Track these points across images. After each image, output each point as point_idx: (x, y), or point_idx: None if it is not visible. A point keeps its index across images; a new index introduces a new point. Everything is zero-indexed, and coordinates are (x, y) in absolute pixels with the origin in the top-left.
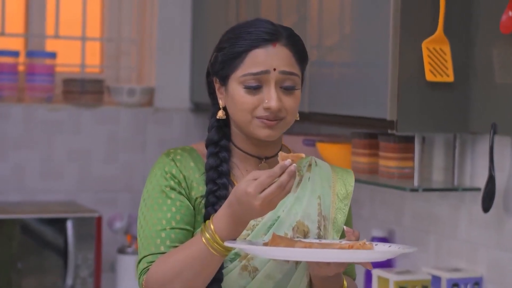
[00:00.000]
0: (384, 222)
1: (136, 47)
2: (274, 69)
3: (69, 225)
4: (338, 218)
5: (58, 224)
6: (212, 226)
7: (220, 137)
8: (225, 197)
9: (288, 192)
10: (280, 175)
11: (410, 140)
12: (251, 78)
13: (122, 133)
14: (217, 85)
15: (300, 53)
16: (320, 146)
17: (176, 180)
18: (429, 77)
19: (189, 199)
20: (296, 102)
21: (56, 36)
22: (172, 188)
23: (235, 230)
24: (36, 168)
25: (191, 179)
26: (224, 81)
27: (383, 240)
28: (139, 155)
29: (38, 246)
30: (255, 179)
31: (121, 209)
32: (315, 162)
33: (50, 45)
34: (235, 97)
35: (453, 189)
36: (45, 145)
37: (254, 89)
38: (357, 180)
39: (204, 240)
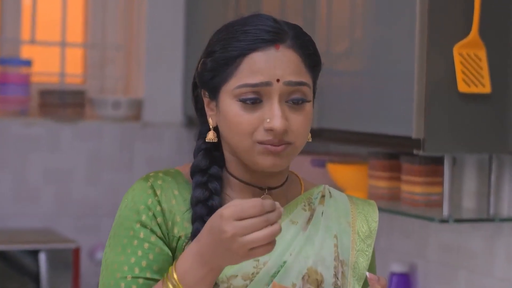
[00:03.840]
0: (404, 255)
1: (122, 54)
2: (278, 80)
3: (42, 257)
4: (360, 262)
5: (31, 255)
6: (175, 275)
7: (209, 163)
8: None
9: (273, 235)
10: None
11: (437, 161)
12: (248, 90)
13: (106, 151)
14: (206, 100)
15: (311, 57)
16: (332, 168)
17: (150, 214)
18: (461, 87)
19: (167, 238)
20: (307, 119)
21: (32, 41)
22: (143, 225)
23: (203, 276)
24: (8, 190)
25: (174, 212)
26: (215, 94)
27: (404, 276)
28: (125, 175)
29: (10, 278)
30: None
31: (104, 237)
32: (329, 192)
33: (26, 52)
34: (229, 115)
35: (489, 220)
36: (19, 164)
37: (252, 104)
38: None
39: None
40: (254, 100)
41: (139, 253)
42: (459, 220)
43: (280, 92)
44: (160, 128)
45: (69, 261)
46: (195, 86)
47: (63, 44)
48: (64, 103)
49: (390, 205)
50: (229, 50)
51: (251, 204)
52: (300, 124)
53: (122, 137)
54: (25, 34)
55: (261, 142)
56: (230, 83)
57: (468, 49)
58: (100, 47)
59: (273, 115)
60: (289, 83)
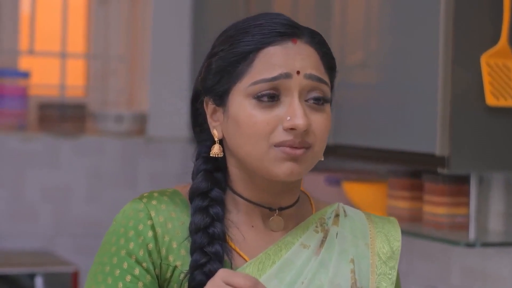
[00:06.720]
0: (426, 280)
1: (125, 65)
2: (298, 72)
3: (39, 282)
4: (383, 287)
5: (28, 278)
6: None
7: (211, 185)
8: None
9: None
10: None
11: (463, 180)
12: (265, 86)
13: (108, 167)
14: (210, 109)
15: (328, 58)
16: (348, 186)
17: (140, 241)
18: (489, 100)
19: (160, 268)
20: (328, 123)
21: (31, 51)
22: (129, 254)
23: None
24: (4, 208)
25: (170, 237)
26: (222, 99)
27: None
28: (128, 193)
29: None
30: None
31: None
32: (344, 211)
33: (24, 63)
34: (241, 117)
35: None
36: (16, 182)
37: (269, 101)
38: None
39: None
40: (272, 96)
41: (120, 285)
42: (486, 244)
43: (300, 87)
44: (165, 143)
45: (67, 285)
46: (195, 99)
47: (63, 55)
48: (64, 117)
49: (411, 227)
50: (241, 46)
51: (245, 274)
52: (322, 124)
53: (125, 153)
54: (23, 44)
55: (279, 145)
56: (242, 82)
57: (497, 58)
58: (102, 58)
59: (295, 112)
60: (310, 77)
